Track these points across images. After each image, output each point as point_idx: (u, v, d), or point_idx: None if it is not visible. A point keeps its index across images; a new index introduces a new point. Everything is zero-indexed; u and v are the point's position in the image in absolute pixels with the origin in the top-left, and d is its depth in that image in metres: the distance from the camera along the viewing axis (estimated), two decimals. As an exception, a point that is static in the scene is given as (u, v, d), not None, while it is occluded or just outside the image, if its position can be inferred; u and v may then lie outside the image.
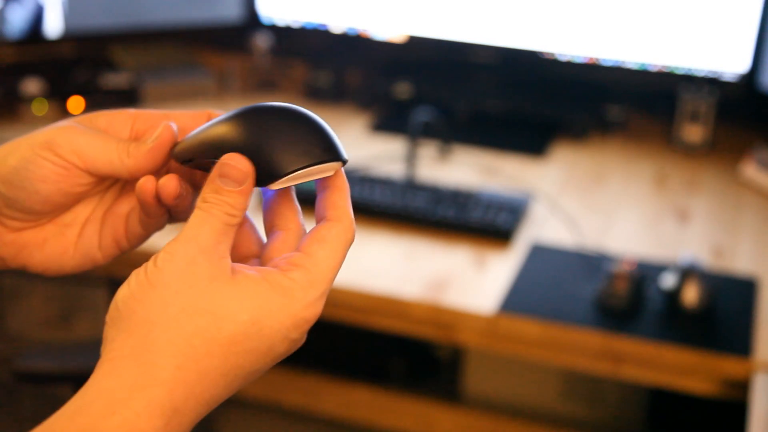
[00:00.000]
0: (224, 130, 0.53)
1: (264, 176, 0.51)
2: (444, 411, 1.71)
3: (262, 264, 0.53)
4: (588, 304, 1.26)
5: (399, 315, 1.30)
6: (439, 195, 1.47)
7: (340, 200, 0.53)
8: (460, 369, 1.78)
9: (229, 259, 0.50)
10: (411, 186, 1.50)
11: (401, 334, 1.35)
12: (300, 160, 0.51)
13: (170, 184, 0.54)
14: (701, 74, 1.69)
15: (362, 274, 1.31)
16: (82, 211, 0.59)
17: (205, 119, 0.57)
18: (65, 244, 0.58)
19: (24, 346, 1.74)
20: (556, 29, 1.74)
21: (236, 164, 0.50)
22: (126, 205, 0.59)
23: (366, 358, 1.81)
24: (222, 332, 0.47)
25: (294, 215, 0.54)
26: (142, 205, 0.56)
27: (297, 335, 0.50)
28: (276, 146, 0.51)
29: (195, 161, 0.54)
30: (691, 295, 1.23)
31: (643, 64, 1.71)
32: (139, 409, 0.45)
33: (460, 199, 1.46)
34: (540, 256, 1.37)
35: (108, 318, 0.48)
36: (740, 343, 1.19)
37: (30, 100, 1.76)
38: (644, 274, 1.27)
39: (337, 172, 0.53)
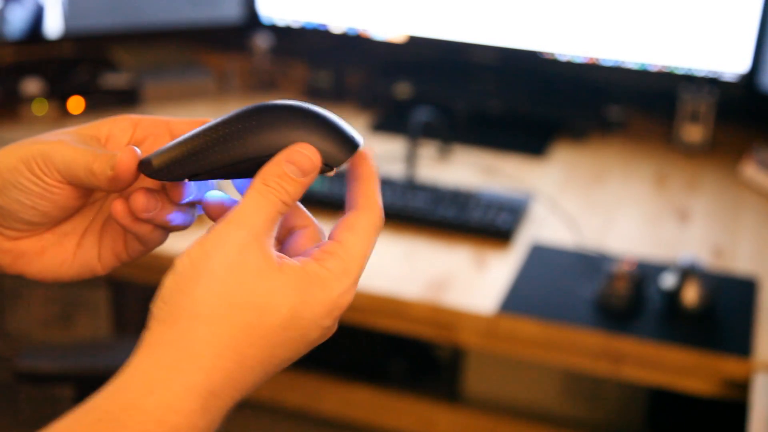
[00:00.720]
0: (230, 140, 0.52)
1: None
2: (444, 411, 1.71)
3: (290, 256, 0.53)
4: (588, 304, 1.26)
5: (399, 315, 1.30)
6: (439, 195, 1.47)
7: (368, 189, 0.53)
8: (460, 369, 1.78)
9: (274, 248, 0.50)
10: (411, 186, 1.50)
11: (401, 334, 1.35)
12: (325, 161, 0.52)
13: (137, 200, 0.54)
14: (701, 74, 1.69)
15: (362, 274, 1.31)
16: (80, 221, 0.58)
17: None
18: (64, 253, 0.58)
19: (24, 346, 1.74)
20: (556, 29, 1.74)
21: (308, 153, 0.51)
22: None
23: (366, 358, 1.81)
24: (263, 324, 0.48)
25: (305, 214, 0.55)
26: (123, 227, 0.56)
27: (330, 322, 0.51)
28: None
29: (203, 176, 0.53)
30: (691, 295, 1.23)
31: (643, 64, 1.71)
32: (177, 390, 0.46)
33: (460, 199, 1.46)
34: (540, 256, 1.37)
35: (153, 307, 0.49)
36: (740, 343, 1.19)
37: (30, 100, 1.76)
38: (644, 274, 1.27)
39: (365, 162, 0.54)
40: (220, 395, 0.47)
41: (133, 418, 0.45)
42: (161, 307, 0.48)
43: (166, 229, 0.57)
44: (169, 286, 0.49)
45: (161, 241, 0.58)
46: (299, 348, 0.50)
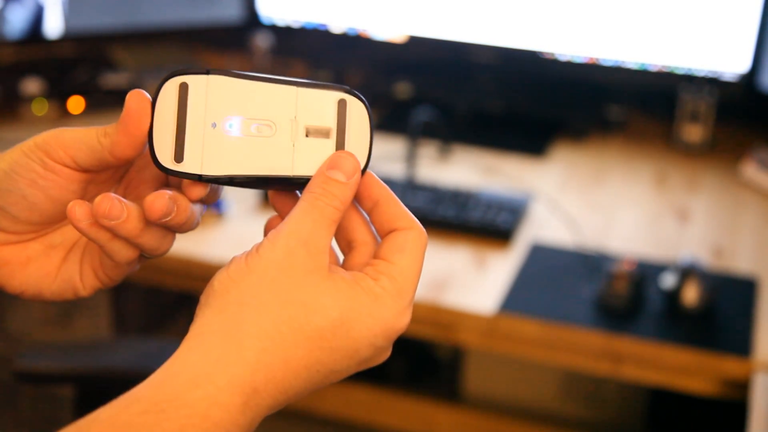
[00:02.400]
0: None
1: None
2: (444, 411, 1.71)
3: None
4: (588, 304, 1.26)
5: (399, 315, 1.29)
6: (439, 195, 1.47)
7: (399, 209, 0.53)
8: (460, 369, 1.78)
9: (327, 255, 0.50)
10: (411, 186, 1.50)
11: (401, 334, 1.35)
12: None
13: (155, 205, 0.51)
14: (701, 74, 1.69)
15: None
16: (70, 235, 0.57)
17: None
18: (49, 266, 0.56)
19: (24, 346, 1.74)
20: (556, 29, 1.74)
21: (347, 155, 0.52)
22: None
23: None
24: (310, 324, 0.48)
25: (368, 229, 0.54)
26: (82, 233, 0.53)
27: (385, 343, 0.51)
28: None
29: (240, 183, 0.53)
30: (691, 295, 1.23)
31: (643, 64, 1.71)
32: (222, 384, 0.46)
33: (460, 199, 1.46)
34: (540, 256, 1.37)
35: (202, 297, 0.49)
36: (740, 343, 1.19)
37: (30, 100, 1.77)
38: (644, 274, 1.27)
39: (378, 186, 0.54)
40: (263, 394, 0.47)
41: (178, 411, 0.45)
42: (210, 295, 0.49)
43: (178, 230, 0.55)
44: (220, 278, 0.49)
45: (133, 261, 0.55)
46: (349, 364, 0.50)
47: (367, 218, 0.54)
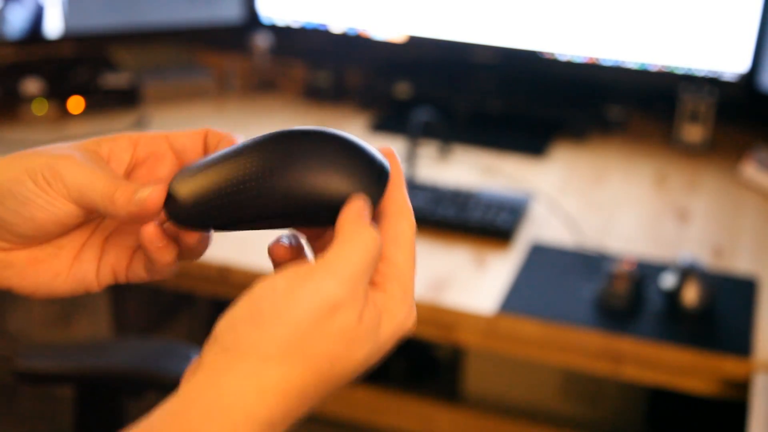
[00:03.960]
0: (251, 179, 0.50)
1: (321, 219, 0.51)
2: (444, 411, 1.71)
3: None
4: (588, 304, 1.26)
5: (399, 315, 1.29)
6: (439, 195, 1.47)
7: (398, 194, 0.52)
8: (460, 369, 1.78)
9: (365, 302, 0.48)
10: (411, 186, 1.50)
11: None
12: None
13: (148, 233, 0.53)
14: (701, 74, 1.69)
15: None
16: (78, 236, 0.57)
17: (202, 138, 0.56)
18: (58, 267, 0.56)
19: (24, 346, 1.74)
20: (556, 29, 1.74)
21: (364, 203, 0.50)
22: (134, 240, 0.57)
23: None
24: (334, 373, 0.47)
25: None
26: (147, 251, 0.54)
27: (392, 346, 0.50)
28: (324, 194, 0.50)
29: (232, 228, 0.52)
30: (691, 295, 1.23)
31: (643, 64, 1.71)
32: (238, 419, 0.45)
33: (460, 199, 1.46)
34: (540, 256, 1.37)
35: (219, 331, 0.47)
36: (740, 343, 1.19)
37: (30, 100, 1.76)
38: (644, 274, 1.27)
39: (395, 165, 0.52)
40: (277, 427, 0.47)
41: None
42: (230, 333, 0.46)
43: (186, 257, 0.55)
44: (242, 313, 0.46)
45: (168, 274, 0.56)
46: (359, 375, 0.50)
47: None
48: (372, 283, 0.49)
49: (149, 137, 0.56)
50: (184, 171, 0.53)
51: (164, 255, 0.54)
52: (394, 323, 0.49)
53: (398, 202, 0.52)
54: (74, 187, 0.52)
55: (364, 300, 0.48)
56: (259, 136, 0.52)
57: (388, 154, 0.53)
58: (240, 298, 0.47)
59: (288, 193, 0.49)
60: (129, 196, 0.52)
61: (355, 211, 0.49)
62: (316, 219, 0.50)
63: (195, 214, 0.51)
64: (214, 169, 0.51)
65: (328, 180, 0.49)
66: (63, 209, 0.53)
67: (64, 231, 0.55)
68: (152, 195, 0.52)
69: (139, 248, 0.56)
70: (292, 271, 0.47)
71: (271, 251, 0.53)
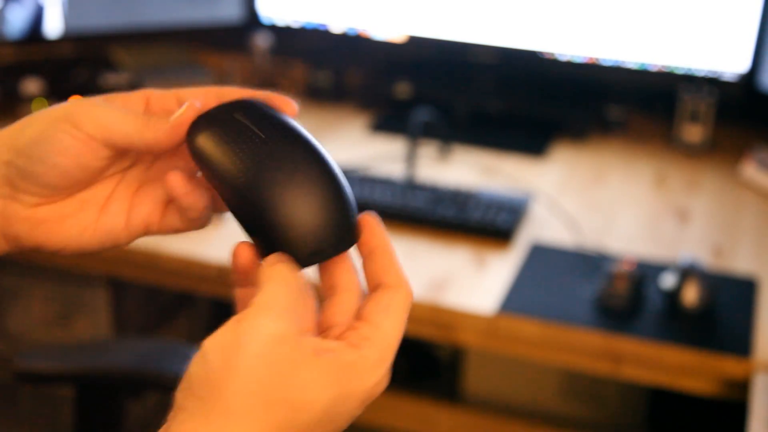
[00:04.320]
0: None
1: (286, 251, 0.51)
2: (444, 411, 1.71)
3: (321, 329, 0.52)
4: (588, 304, 1.26)
5: (399, 315, 1.29)
6: (439, 195, 1.47)
7: (392, 264, 0.52)
8: (460, 369, 1.78)
9: (310, 335, 0.48)
10: (411, 186, 1.50)
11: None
12: (321, 252, 0.51)
13: (173, 176, 0.54)
14: (701, 74, 1.69)
15: (362, 274, 1.31)
16: (102, 189, 0.57)
17: (213, 96, 0.57)
18: (85, 221, 0.57)
19: (24, 346, 1.74)
20: (556, 29, 1.74)
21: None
22: (165, 192, 0.58)
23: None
24: (298, 421, 0.46)
25: (353, 275, 0.53)
26: (176, 198, 0.55)
27: (361, 411, 0.50)
28: (295, 229, 0.50)
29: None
30: (691, 295, 1.23)
31: (643, 64, 1.71)
32: None
33: (460, 199, 1.46)
34: (540, 256, 1.37)
35: (180, 396, 0.47)
36: (740, 343, 1.19)
37: (30, 100, 1.76)
38: (644, 274, 1.27)
39: (378, 233, 0.52)
40: None
41: None
42: (190, 399, 0.46)
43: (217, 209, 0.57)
44: (197, 374, 0.46)
45: (203, 225, 0.57)
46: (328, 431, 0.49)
47: (357, 268, 0.53)
48: (347, 340, 0.49)
49: (160, 94, 0.58)
50: (205, 121, 0.55)
51: (194, 200, 0.55)
52: (363, 386, 0.48)
53: (395, 272, 0.52)
54: (103, 125, 0.54)
55: (311, 334, 0.48)
56: (275, 126, 0.53)
57: (371, 224, 0.53)
58: (190, 363, 0.47)
59: (259, 205, 0.51)
60: (161, 122, 0.54)
61: (275, 258, 0.50)
62: (266, 242, 0.51)
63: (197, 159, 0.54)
64: (224, 148, 0.53)
65: (297, 221, 0.50)
66: (88, 151, 0.54)
67: (89, 178, 0.56)
68: (186, 112, 0.54)
69: (172, 201, 0.57)
70: (232, 321, 0.47)
71: (235, 252, 0.53)
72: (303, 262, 0.51)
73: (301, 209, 0.50)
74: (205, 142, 0.53)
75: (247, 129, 0.53)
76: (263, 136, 0.52)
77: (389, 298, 0.51)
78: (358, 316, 0.51)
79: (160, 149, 0.55)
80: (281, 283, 0.48)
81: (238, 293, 0.53)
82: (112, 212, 0.57)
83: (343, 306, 0.52)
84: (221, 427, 0.45)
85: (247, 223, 0.52)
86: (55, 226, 0.56)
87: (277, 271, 0.49)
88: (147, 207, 0.58)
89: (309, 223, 0.50)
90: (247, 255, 0.52)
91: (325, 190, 0.51)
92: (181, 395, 0.46)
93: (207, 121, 0.54)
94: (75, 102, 0.55)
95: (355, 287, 0.53)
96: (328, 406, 0.47)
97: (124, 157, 0.57)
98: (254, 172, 0.51)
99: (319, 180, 0.51)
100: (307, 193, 0.51)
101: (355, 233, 0.52)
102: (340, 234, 0.51)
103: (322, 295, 0.53)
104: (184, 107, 0.55)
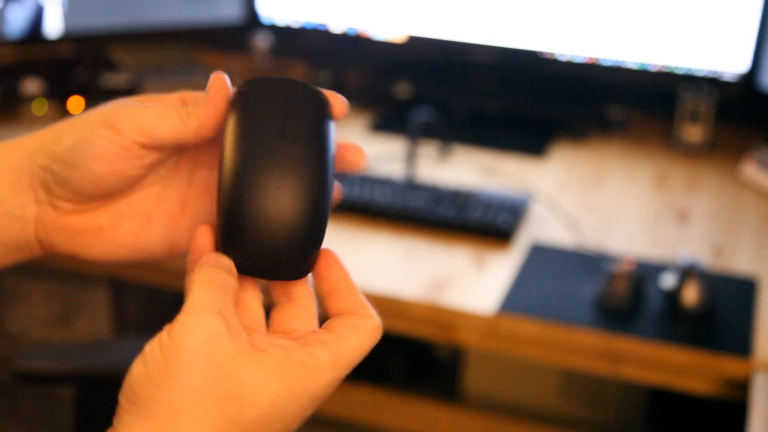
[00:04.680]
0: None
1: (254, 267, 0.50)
2: (444, 411, 1.71)
3: (275, 331, 0.51)
4: (588, 304, 1.26)
5: (399, 315, 1.30)
6: (439, 195, 1.47)
7: (360, 301, 0.52)
8: (460, 369, 1.78)
9: (251, 333, 0.48)
10: (411, 186, 1.50)
11: (401, 334, 1.35)
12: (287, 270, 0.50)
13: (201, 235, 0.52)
14: (701, 74, 1.69)
15: (362, 274, 1.31)
16: (140, 203, 0.57)
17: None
18: (123, 235, 0.56)
19: (24, 346, 1.74)
20: (556, 29, 1.74)
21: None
22: (210, 211, 0.57)
23: (366, 358, 1.81)
24: (244, 416, 0.46)
25: (307, 285, 0.53)
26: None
27: (311, 412, 0.49)
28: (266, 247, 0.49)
29: None
30: (691, 295, 1.23)
31: (643, 64, 1.71)
32: None
33: (460, 199, 1.46)
34: (540, 256, 1.37)
35: (124, 400, 0.46)
36: (740, 343, 1.19)
37: (30, 100, 1.76)
38: (644, 274, 1.27)
39: (339, 270, 0.52)
40: None
41: None
42: (134, 401, 0.45)
43: None
44: (139, 376, 0.46)
45: None
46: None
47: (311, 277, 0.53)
48: (299, 340, 0.49)
49: (194, 94, 0.57)
50: (241, 98, 0.53)
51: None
52: (313, 385, 0.48)
53: (366, 306, 0.52)
54: (144, 126, 0.53)
55: (252, 333, 0.48)
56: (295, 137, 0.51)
57: (331, 259, 0.52)
58: (130, 367, 0.47)
59: (231, 197, 0.49)
60: (200, 105, 0.54)
61: (208, 259, 0.50)
62: (221, 238, 0.51)
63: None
64: (236, 133, 0.51)
65: (254, 235, 0.49)
66: (124, 158, 0.53)
67: (124, 187, 0.55)
68: (214, 80, 0.54)
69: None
70: (166, 326, 0.47)
71: (196, 234, 0.53)
72: (243, 271, 0.50)
73: (264, 225, 0.49)
74: (228, 124, 0.52)
75: (272, 115, 0.51)
76: (277, 132, 0.50)
77: (360, 321, 0.51)
78: (324, 326, 0.50)
79: (207, 132, 0.53)
80: (203, 286, 0.47)
81: (187, 281, 0.52)
82: (154, 232, 0.57)
83: (298, 311, 0.52)
84: (169, 426, 0.45)
85: (218, 207, 0.50)
86: (91, 238, 0.56)
87: (201, 275, 0.48)
88: (190, 227, 0.57)
89: (265, 241, 0.49)
90: (205, 241, 0.52)
91: (296, 217, 0.49)
92: (124, 398, 0.46)
93: (243, 98, 0.53)
94: (113, 105, 0.54)
95: (310, 296, 0.52)
96: (275, 402, 0.46)
97: (160, 165, 0.56)
98: (244, 166, 0.49)
99: (296, 203, 0.49)
100: (279, 210, 0.49)
101: (308, 267, 0.51)
102: (291, 264, 0.50)
103: (275, 300, 0.53)
104: (211, 78, 0.54)
